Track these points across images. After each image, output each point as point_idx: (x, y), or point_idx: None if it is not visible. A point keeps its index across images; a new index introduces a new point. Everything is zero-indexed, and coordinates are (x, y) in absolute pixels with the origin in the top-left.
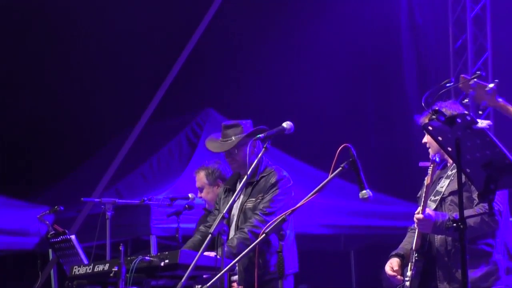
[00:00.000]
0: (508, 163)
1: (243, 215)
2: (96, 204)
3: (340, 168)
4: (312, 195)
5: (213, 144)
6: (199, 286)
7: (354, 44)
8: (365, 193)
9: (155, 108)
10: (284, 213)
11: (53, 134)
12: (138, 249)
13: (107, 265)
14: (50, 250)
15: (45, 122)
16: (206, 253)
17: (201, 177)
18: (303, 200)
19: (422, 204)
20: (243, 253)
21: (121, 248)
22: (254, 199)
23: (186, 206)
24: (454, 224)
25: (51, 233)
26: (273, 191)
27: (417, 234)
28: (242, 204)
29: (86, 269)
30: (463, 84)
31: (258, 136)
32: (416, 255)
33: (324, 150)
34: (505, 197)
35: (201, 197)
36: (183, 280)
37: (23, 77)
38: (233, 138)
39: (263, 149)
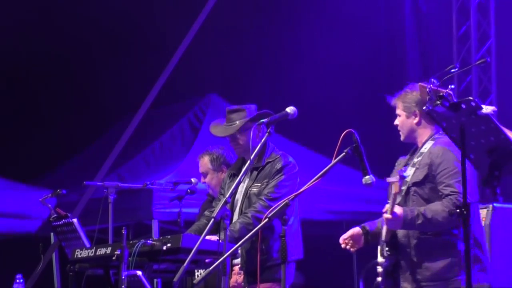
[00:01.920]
0: None
1: (247, 200)
2: (99, 188)
3: (344, 153)
4: (315, 180)
5: (217, 129)
6: (201, 270)
7: (358, 31)
8: (368, 178)
9: (158, 93)
10: (287, 198)
11: (57, 118)
12: (140, 233)
13: (109, 248)
14: (52, 234)
15: (49, 105)
16: (208, 237)
17: (205, 162)
18: (306, 185)
19: (390, 205)
20: (246, 237)
21: (123, 231)
22: (259, 184)
23: (189, 190)
24: (422, 220)
25: (53, 216)
26: (278, 177)
27: (386, 229)
28: (247, 189)
29: (88, 252)
30: (421, 92)
31: (262, 120)
32: (387, 248)
33: (327, 135)
34: (475, 188)
35: (204, 182)
36: (185, 264)
37: (28, 61)
38: (237, 122)
39: (267, 133)
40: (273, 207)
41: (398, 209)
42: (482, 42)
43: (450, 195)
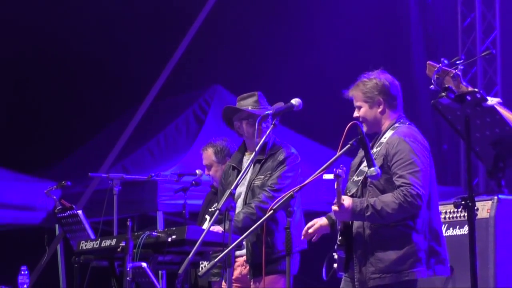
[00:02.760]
0: None
1: (251, 192)
2: (104, 179)
3: (349, 145)
4: (320, 172)
5: (229, 108)
6: (206, 262)
7: (362, 21)
8: (373, 170)
9: (162, 85)
10: (292, 189)
11: (61, 110)
12: (145, 225)
13: (114, 240)
14: (57, 225)
15: (53, 97)
16: (211, 228)
17: (209, 154)
18: (311, 177)
19: (336, 198)
20: (251, 229)
21: (128, 223)
22: (262, 176)
23: (193, 182)
24: (371, 211)
25: (58, 208)
26: (281, 168)
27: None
28: (250, 182)
29: (93, 244)
30: (428, 70)
31: (267, 112)
32: (340, 238)
33: (332, 127)
34: (431, 180)
35: (208, 175)
36: (190, 255)
37: (33, 52)
38: (249, 107)
39: (272, 125)
40: (278, 199)
41: (346, 201)
42: (487, 34)
43: (402, 186)
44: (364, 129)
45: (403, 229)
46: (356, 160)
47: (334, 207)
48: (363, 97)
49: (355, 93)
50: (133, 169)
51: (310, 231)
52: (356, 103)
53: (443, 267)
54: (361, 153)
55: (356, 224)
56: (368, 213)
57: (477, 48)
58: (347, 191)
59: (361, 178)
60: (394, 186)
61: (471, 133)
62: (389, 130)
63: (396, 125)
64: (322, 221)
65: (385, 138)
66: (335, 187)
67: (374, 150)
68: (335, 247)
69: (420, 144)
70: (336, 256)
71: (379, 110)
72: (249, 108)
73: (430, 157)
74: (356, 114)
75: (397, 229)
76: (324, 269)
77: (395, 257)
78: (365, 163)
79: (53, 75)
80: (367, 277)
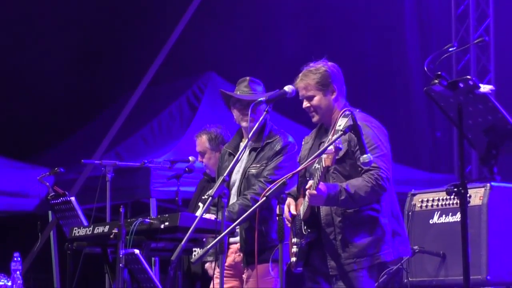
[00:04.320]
0: (510, 128)
1: (246, 180)
2: (97, 166)
3: (341, 132)
4: (313, 158)
5: (222, 93)
6: (198, 249)
7: (356, 9)
8: (366, 157)
9: (156, 71)
10: (284, 176)
11: (55, 96)
12: (138, 212)
13: (107, 227)
14: (50, 212)
15: (47, 83)
16: (205, 215)
17: (203, 141)
18: (303, 164)
19: (316, 180)
20: (244, 215)
21: (121, 210)
22: (258, 165)
23: (186, 169)
24: (345, 195)
25: (51, 194)
26: (277, 158)
27: (307, 206)
28: (245, 169)
29: (86, 230)
30: None
31: (260, 99)
32: (305, 226)
33: None
34: (391, 164)
35: (201, 162)
36: (182, 242)
37: (27, 39)
38: (238, 92)
39: (265, 112)
40: (270, 186)
41: (322, 185)
42: (481, 21)
43: (370, 170)
44: (315, 119)
45: (371, 213)
46: (306, 146)
47: (312, 191)
48: (316, 85)
49: (306, 82)
50: (127, 155)
51: (289, 215)
52: (308, 93)
53: (406, 248)
54: (309, 139)
55: (324, 211)
56: (342, 197)
57: (471, 35)
58: (310, 178)
59: (320, 165)
60: (359, 171)
61: (464, 120)
62: (341, 118)
63: (347, 112)
64: (293, 203)
65: (340, 125)
66: (324, 165)
67: (331, 137)
68: (294, 239)
69: (381, 129)
70: (295, 249)
71: (333, 97)
72: (238, 93)
73: (389, 142)
74: (306, 104)
75: (366, 213)
76: (270, 263)
77: (367, 241)
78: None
79: (48, 59)
80: (342, 263)
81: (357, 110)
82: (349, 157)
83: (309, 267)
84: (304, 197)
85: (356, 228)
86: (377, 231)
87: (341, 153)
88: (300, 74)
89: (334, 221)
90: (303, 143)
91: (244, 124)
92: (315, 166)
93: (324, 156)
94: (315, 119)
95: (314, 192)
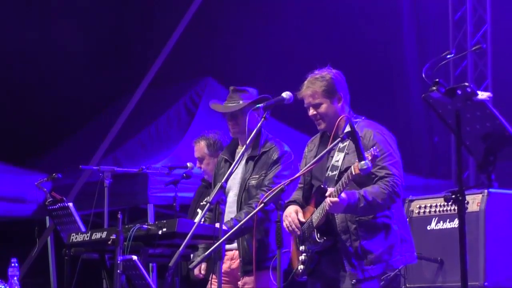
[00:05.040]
0: (507, 135)
1: (246, 192)
2: (94, 172)
3: (339, 139)
4: (310, 166)
5: (219, 106)
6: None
7: (354, 15)
8: (363, 164)
9: (154, 76)
10: (282, 183)
11: (52, 100)
12: (135, 217)
13: (105, 233)
14: (47, 218)
15: (44, 87)
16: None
17: (201, 147)
18: (301, 171)
19: (339, 187)
20: (241, 222)
21: (119, 216)
22: (257, 176)
23: (184, 175)
24: (364, 203)
25: (49, 200)
26: (275, 167)
27: (324, 213)
28: (244, 181)
29: (84, 236)
30: None
31: (258, 105)
32: (318, 234)
33: None
34: (402, 170)
35: (199, 167)
36: (180, 248)
37: (21, 40)
38: (240, 102)
39: (263, 118)
40: (268, 193)
41: (344, 195)
42: (478, 27)
43: (386, 177)
44: (322, 126)
45: (385, 220)
46: (311, 154)
47: (333, 199)
48: (323, 93)
49: (313, 90)
50: (124, 160)
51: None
52: (314, 101)
53: (412, 254)
54: (313, 147)
55: (339, 218)
56: (362, 205)
57: (468, 41)
58: (324, 185)
59: (336, 172)
60: (373, 178)
61: (462, 127)
62: (348, 125)
63: (354, 119)
64: (299, 211)
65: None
66: (354, 172)
67: (341, 145)
68: (301, 247)
69: (391, 135)
70: (303, 257)
71: (339, 104)
72: (241, 102)
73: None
74: (313, 112)
75: (380, 220)
76: (271, 272)
77: (383, 248)
78: (335, 157)
79: (45, 63)
80: (359, 269)
81: (363, 118)
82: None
83: (315, 274)
84: (314, 205)
85: (371, 235)
86: (390, 238)
87: (353, 161)
88: (306, 82)
89: (349, 228)
90: (306, 150)
91: (231, 134)
92: (328, 174)
93: (355, 164)
94: (321, 126)
95: (336, 199)
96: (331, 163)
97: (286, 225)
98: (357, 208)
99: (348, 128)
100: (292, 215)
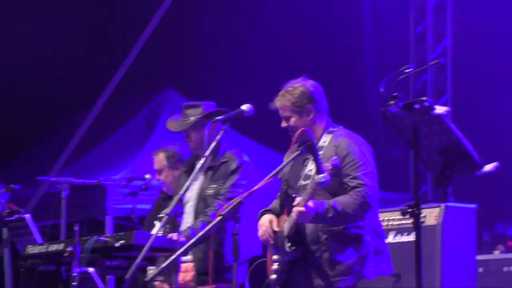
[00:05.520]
0: (464, 150)
1: (203, 202)
2: (52, 183)
3: (298, 151)
4: (269, 178)
5: (172, 124)
6: (153, 267)
7: (315, 28)
8: (321, 177)
9: (114, 88)
10: (240, 195)
11: (10, 111)
12: (93, 229)
13: (62, 245)
14: (4, 229)
15: (2, 98)
16: (170, 235)
17: (160, 159)
18: (260, 183)
19: (306, 197)
20: (198, 235)
21: (76, 228)
22: (215, 185)
23: (143, 187)
24: (333, 213)
25: (6, 211)
26: (233, 177)
27: (292, 222)
28: (202, 190)
29: (40, 248)
30: None
31: (217, 118)
32: (289, 244)
33: (283, 133)
34: (376, 181)
35: (158, 180)
36: (137, 261)
37: None
38: (191, 118)
39: (222, 131)
40: (226, 205)
41: (310, 203)
42: (439, 41)
43: (357, 187)
44: (293, 139)
45: (357, 231)
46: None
47: (300, 208)
48: (291, 107)
49: (282, 103)
50: (83, 172)
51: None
52: (284, 114)
53: (387, 266)
54: (290, 156)
55: (310, 228)
56: (330, 215)
57: (428, 55)
58: (296, 194)
59: (308, 182)
60: (345, 188)
61: (419, 141)
62: (325, 135)
63: (331, 129)
64: (273, 220)
65: (324, 142)
66: (311, 183)
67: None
68: (275, 256)
69: (367, 146)
70: (276, 266)
71: (309, 118)
72: (192, 118)
73: (374, 159)
74: (284, 124)
75: (352, 231)
76: (246, 283)
77: (353, 259)
78: (308, 167)
79: (5, 74)
80: (328, 280)
81: (341, 127)
82: (336, 174)
83: (289, 284)
84: (287, 214)
85: (342, 245)
86: (362, 249)
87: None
88: (279, 93)
89: (320, 239)
90: (284, 159)
91: (208, 145)
92: (301, 183)
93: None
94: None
95: (303, 209)
96: (305, 172)
97: (260, 234)
98: (326, 218)
99: (333, 140)
100: (266, 224)
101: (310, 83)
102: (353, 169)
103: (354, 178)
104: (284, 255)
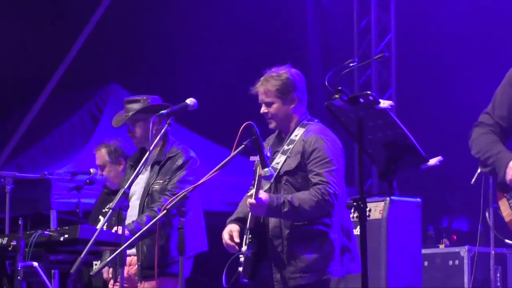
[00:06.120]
0: (408, 144)
1: (149, 197)
2: None
3: (243, 145)
4: (214, 172)
5: (116, 120)
6: (98, 262)
7: (259, 22)
8: (267, 171)
9: (58, 81)
10: (185, 189)
11: None
12: (38, 223)
13: (6, 239)
14: None
15: None
16: (115, 229)
17: (102, 154)
18: (205, 177)
19: (255, 189)
20: (144, 229)
21: (20, 222)
22: (161, 181)
23: (88, 181)
24: (288, 208)
25: None
26: (180, 172)
27: (251, 215)
28: (148, 185)
29: None
30: None
31: (161, 112)
32: (250, 236)
33: (228, 127)
34: (342, 179)
35: (101, 175)
36: (82, 255)
37: None
38: (130, 113)
39: (166, 125)
40: (171, 199)
41: (263, 195)
42: (382, 36)
43: (319, 184)
44: (272, 125)
45: (321, 228)
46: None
47: (251, 200)
48: (275, 92)
49: (266, 88)
50: (28, 166)
51: (232, 242)
52: (267, 99)
53: (356, 264)
54: (266, 146)
55: (272, 223)
56: (285, 209)
57: (372, 50)
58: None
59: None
60: (310, 184)
61: (364, 135)
62: (298, 127)
63: (305, 122)
64: (234, 229)
65: (296, 135)
66: (258, 173)
67: (285, 147)
68: (243, 247)
69: (336, 143)
70: (242, 258)
71: (292, 106)
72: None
73: (344, 157)
74: (264, 110)
75: (316, 228)
76: (224, 275)
77: (315, 256)
78: (276, 159)
79: None
80: (287, 276)
81: (316, 121)
82: (302, 169)
83: (257, 278)
84: None
85: (304, 242)
86: (325, 247)
87: (293, 165)
88: (262, 78)
89: (282, 234)
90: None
91: (153, 139)
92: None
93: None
94: (271, 125)
95: (253, 201)
96: (272, 164)
97: (224, 244)
98: (281, 212)
99: (305, 133)
100: (225, 236)
101: (294, 71)
102: (317, 166)
103: (317, 174)
104: (247, 248)
